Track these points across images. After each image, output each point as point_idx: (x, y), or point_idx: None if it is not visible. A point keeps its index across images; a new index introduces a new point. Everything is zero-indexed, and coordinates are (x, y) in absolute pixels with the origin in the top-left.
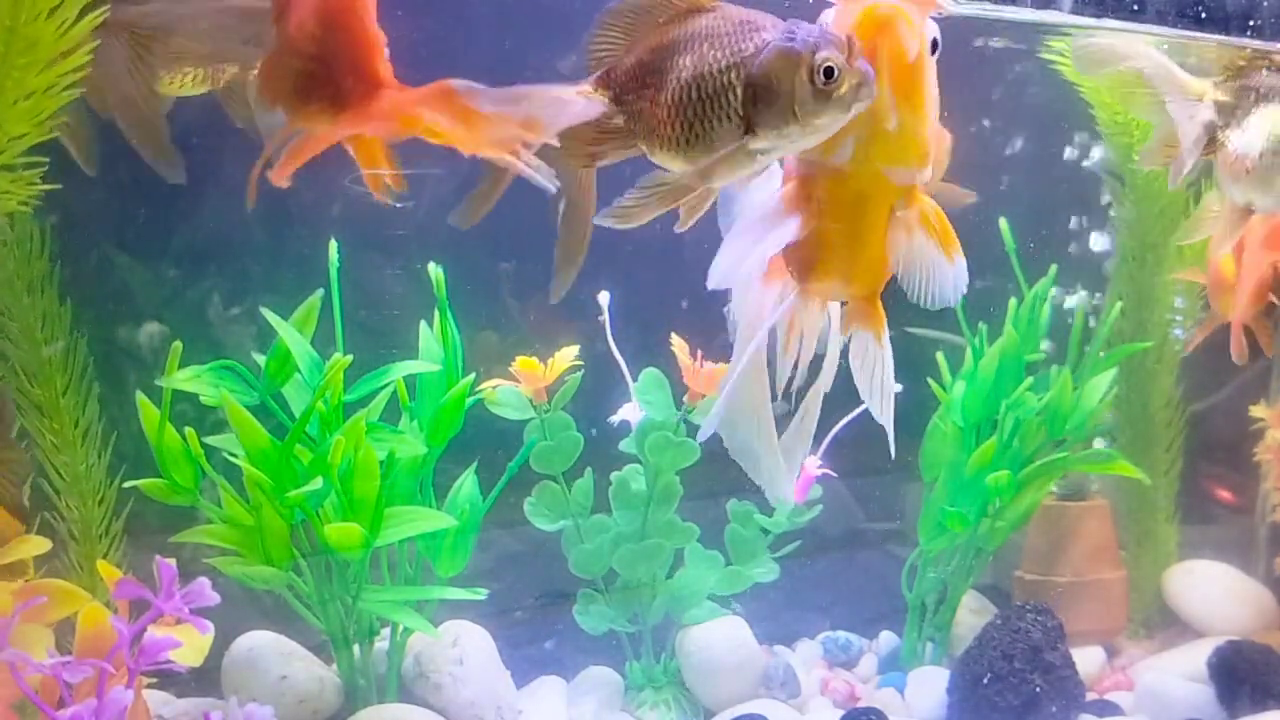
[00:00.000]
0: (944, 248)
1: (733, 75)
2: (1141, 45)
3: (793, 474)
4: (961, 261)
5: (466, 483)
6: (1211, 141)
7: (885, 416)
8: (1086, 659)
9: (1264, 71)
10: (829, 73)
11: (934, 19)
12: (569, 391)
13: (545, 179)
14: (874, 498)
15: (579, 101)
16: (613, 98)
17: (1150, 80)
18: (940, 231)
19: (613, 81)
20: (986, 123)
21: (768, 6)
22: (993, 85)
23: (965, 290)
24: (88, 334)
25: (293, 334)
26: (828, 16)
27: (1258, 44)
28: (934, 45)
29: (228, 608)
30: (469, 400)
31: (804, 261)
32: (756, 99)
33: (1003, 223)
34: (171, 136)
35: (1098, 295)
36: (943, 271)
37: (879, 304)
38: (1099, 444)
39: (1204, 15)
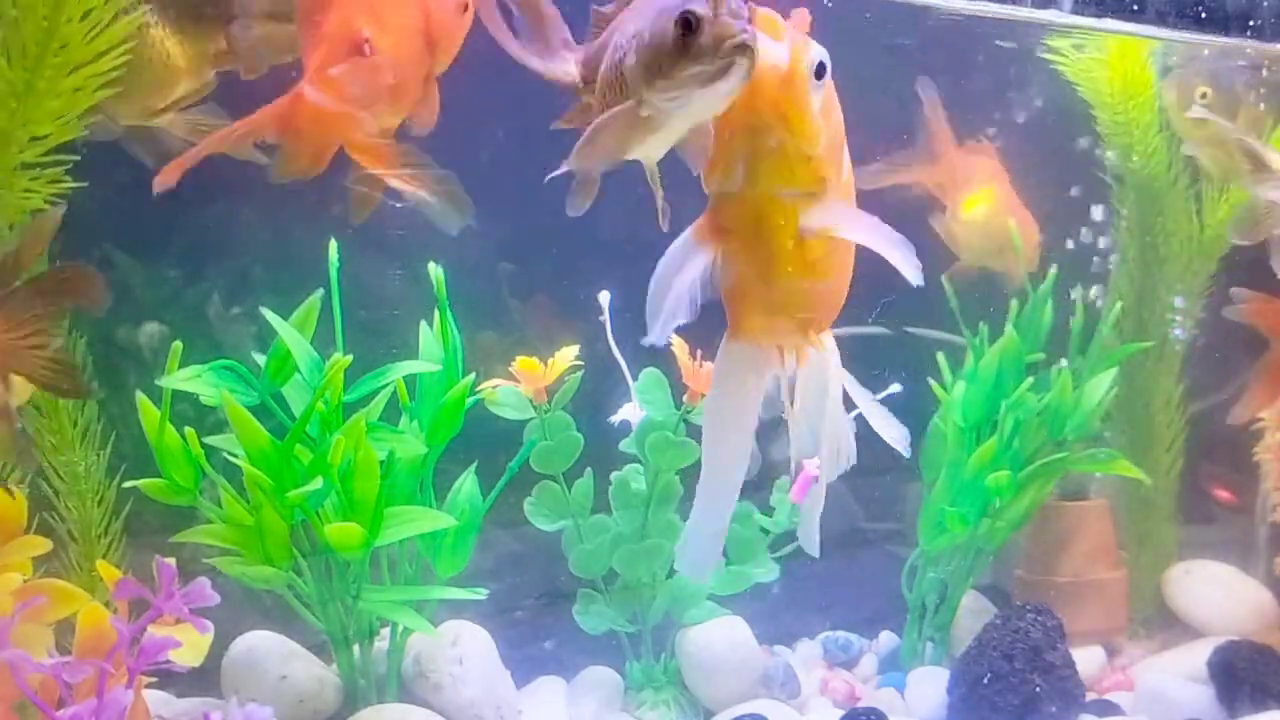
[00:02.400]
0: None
1: (633, 45)
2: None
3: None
4: (895, 235)
5: (466, 483)
6: None
7: (837, 459)
8: (1086, 659)
9: None
10: (688, 24)
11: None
12: (569, 391)
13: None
14: (874, 498)
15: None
16: (584, 76)
17: (1243, 157)
18: (864, 226)
19: (587, 61)
20: (985, 122)
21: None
22: (991, 85)
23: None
24: (88, 334)
25: (293, 334)
26: None
27: (1258, 44)
28: (820, 69)
29: (228, 608)
30: (469, 400)
31: (729, 299)
32: (644, 65)
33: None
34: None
35: (1098, 295)
36: (874, 228)
37: (822, 341)
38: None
39: (1204, 15)
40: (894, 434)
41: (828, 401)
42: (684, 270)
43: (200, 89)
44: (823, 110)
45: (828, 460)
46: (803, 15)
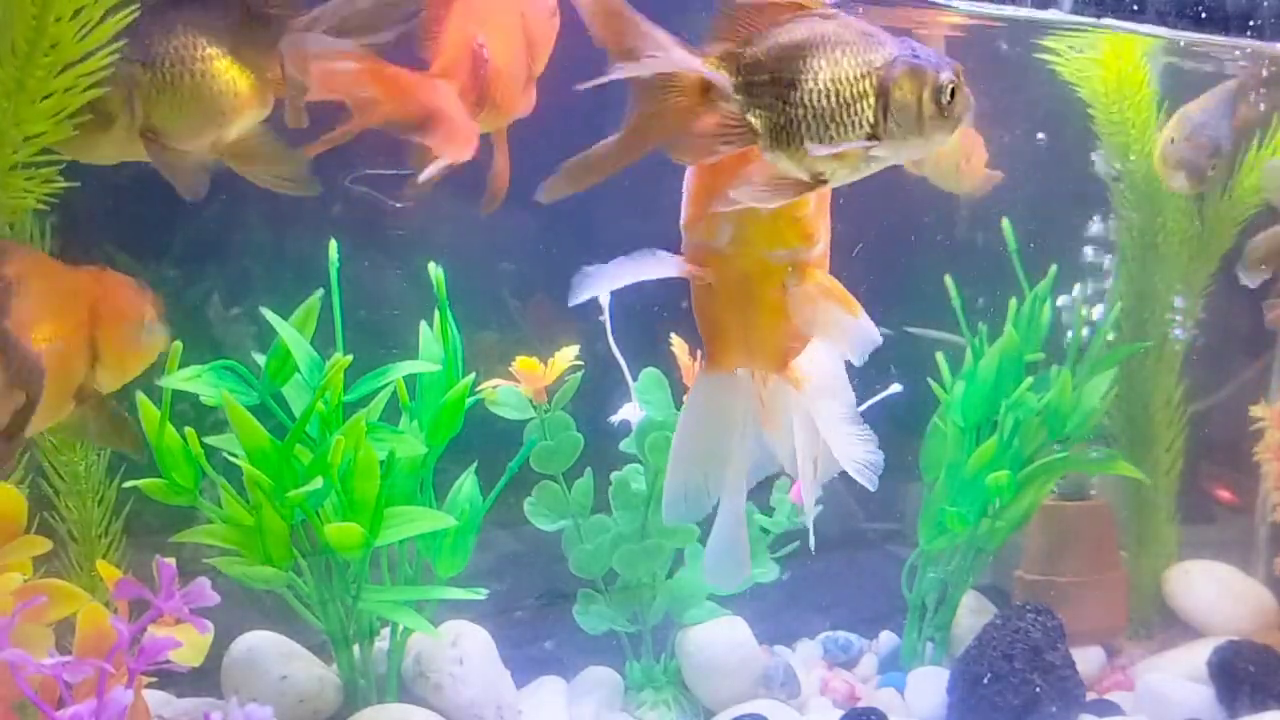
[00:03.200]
0: (847, 309)
1: (867, 84)
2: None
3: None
4: (866, 318)
5: (466, 483)
6: None
7: (817, 477)
8: (1086, 659)
9: None
10: (951, 93)
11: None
12: (569, 391)
13: None
14: (874, 498)
15: (704, 70)
16: (738, 84)
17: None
18: (840, 296)
19: (741, 67)
20: (984, 122)
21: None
22: (990, 85)
23: (878, 345)
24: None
25: (293, 334)
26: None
27: (1258, 44)
28: None
29: (228, 608)
30: (469, 400)
31: (706, 334)
32: (886, 110)
33: (1005, 223)
34: None
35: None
36: (851, 331)
37: (792, 370)
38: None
39: (1204, 15)
40: (861, 461)
41: (798, 428)
42: (643, 273)
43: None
44: None
45: (807, 482)
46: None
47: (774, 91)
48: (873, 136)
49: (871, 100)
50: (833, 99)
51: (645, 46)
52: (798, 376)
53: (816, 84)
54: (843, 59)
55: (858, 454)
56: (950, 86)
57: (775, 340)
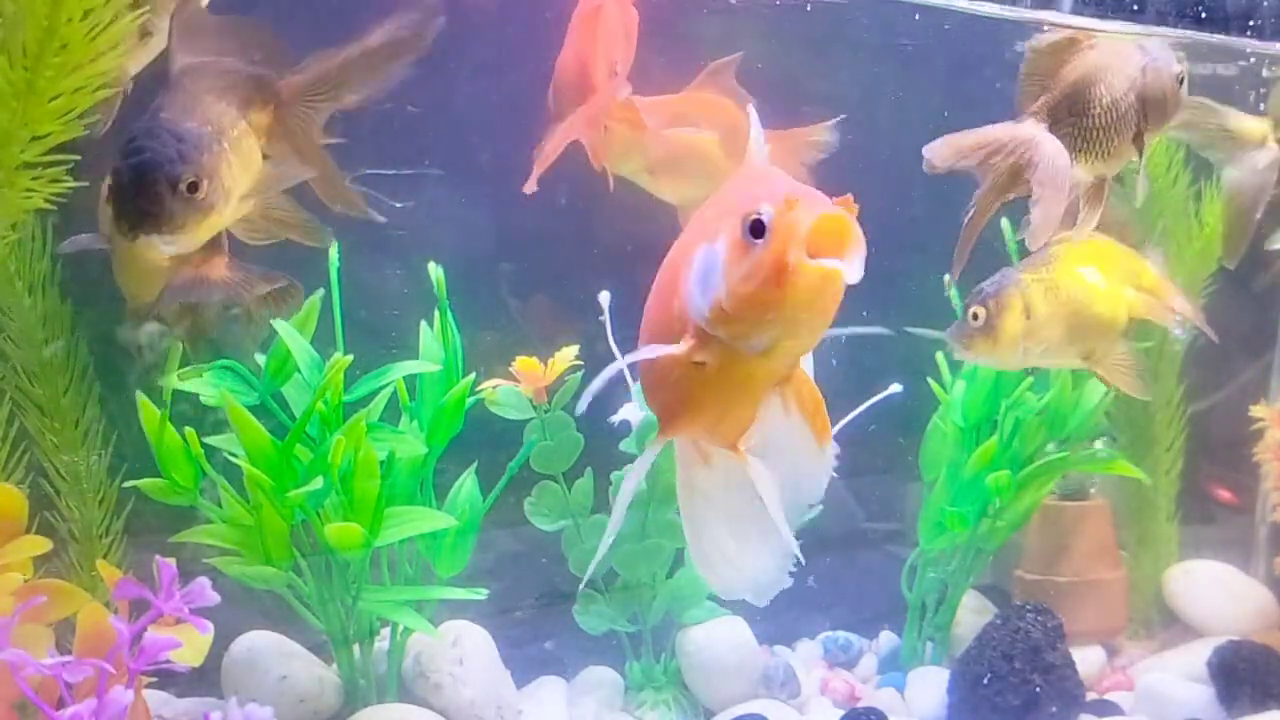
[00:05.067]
0: (816, 433)
1: (1133, 96)
2: (1195, 103)
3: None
4: (830, 451)
5: (466, 483)
6: None
7: (779, 535)
8: (1086, 659)
9: None
10: (1184, 79)
11: None
12: (569, 391)
13: None
14: (874, 498)
15: (1048, 140)
16: (1049, 126)
17: (1206, 127)
18: (814, 413)
19: (1049, 112)
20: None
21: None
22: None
23: (826, 481)
24: (88, 334)
25: (293, 334)
26: None
27: (1258, 44)
28: None
29: (228, 608)
30: (469, 400)
31: (670, 411)
32: (1146, 111)
33: (1004, 223)
34: None
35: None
36: (810, 462)
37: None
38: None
39: (1204, 15)
40: (779, 549)
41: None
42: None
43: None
44: None
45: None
46: (847, 200)
47: (1071, 120)
48: (1138, 132)
49: (1137, 107)
50: (1113, 115)
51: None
52: (742, 450)
53: (1101, 107)
54: (1114, 81)
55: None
56: (1183, 73)
57: (742, 427)
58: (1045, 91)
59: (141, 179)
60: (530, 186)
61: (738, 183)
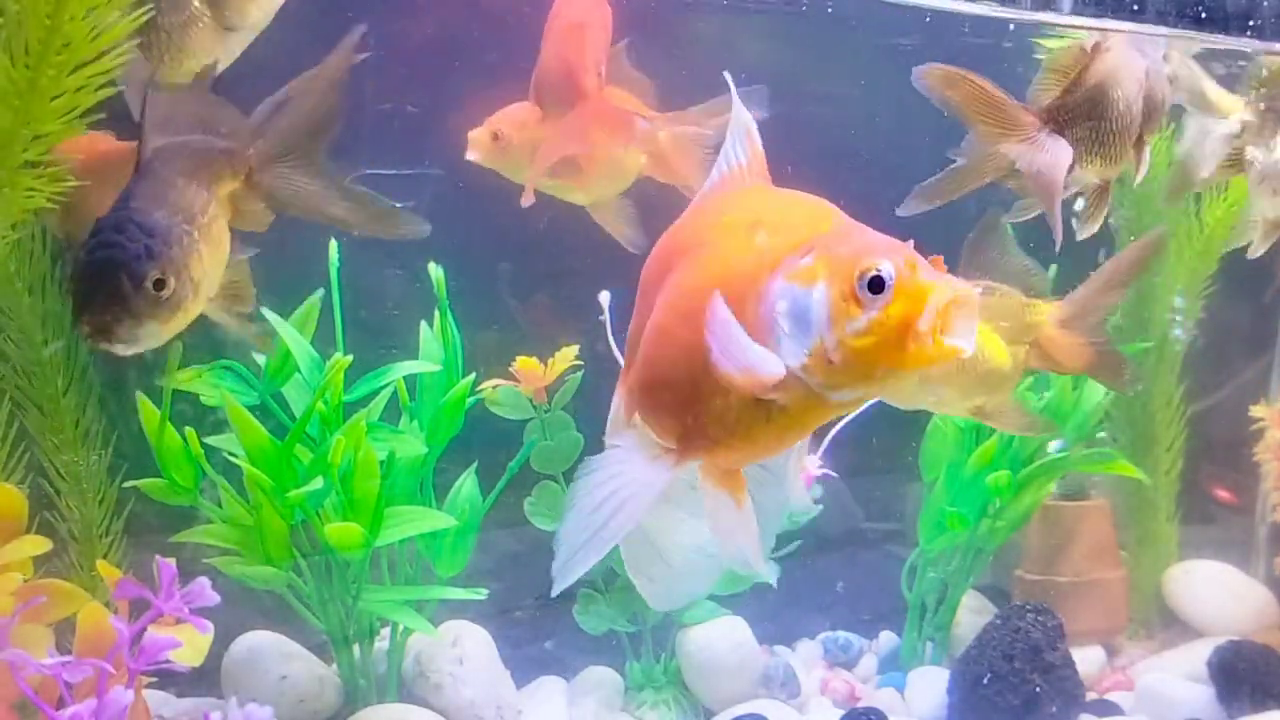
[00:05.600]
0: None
1: (1140, 100)
2: (1181, 57)
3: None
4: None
5: (466, 483)
6: (1237, 159)
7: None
8: (1086, 659)
9: None
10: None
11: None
12: (569, 391)
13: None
14: (874, 498)
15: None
16: (1059, 130)
17: (1179, 88)
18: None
19: (1067, 113)
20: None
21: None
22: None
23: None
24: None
25: (293, 334)
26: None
27: (1258, 44)
28: None
29: (228, 608)
30: (469, 400)
31: (707, 437)
32: (1147, 114)
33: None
34: None
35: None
36: (786, 489)
37: (740, 473)
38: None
39: (1204, 15)
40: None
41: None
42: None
43: None
44: None
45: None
46: (938, 259)
47: (1090, 123)
48: (1139, 136)
49: (1143, 108)
50: (1124, 120)
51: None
52: (741, 481)
53: (1117, 112)
54: (1128, 84)
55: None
56: (1172, 73)
57: (769, 457)
58: (1066, 91)
59: (105, 278)
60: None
61: (784, 211)
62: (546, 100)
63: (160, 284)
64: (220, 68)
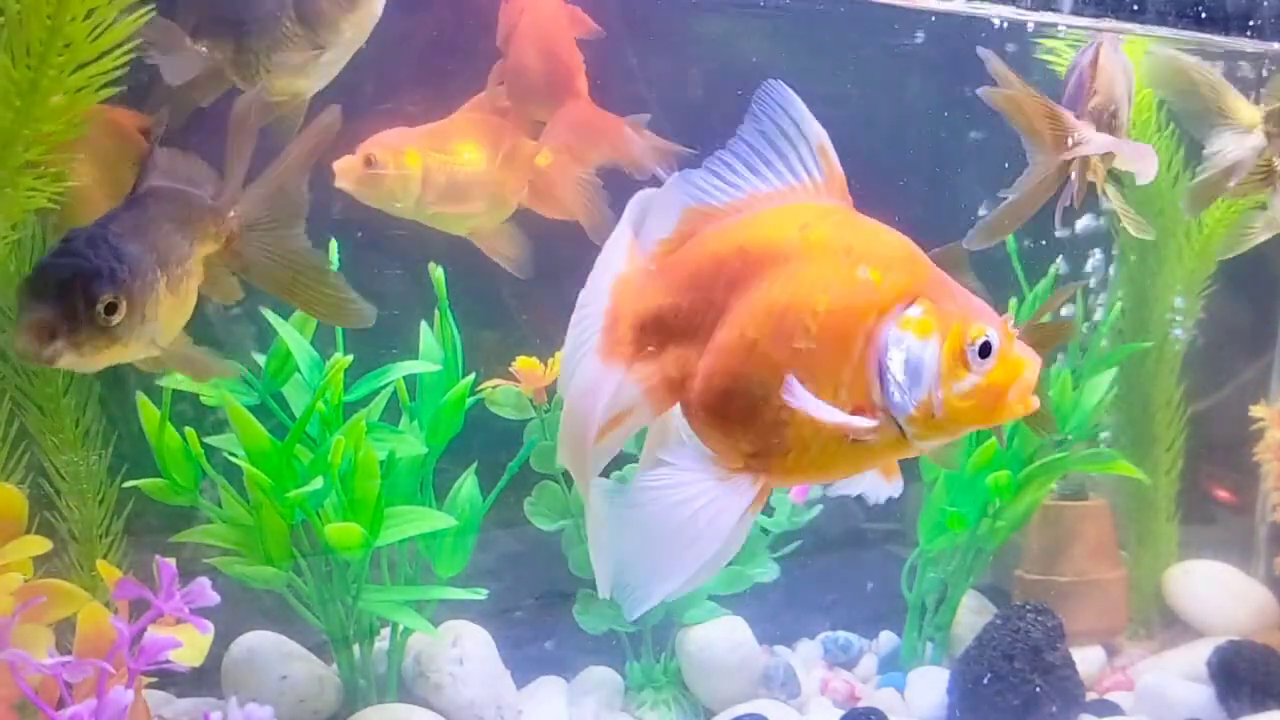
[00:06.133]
0: None
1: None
2: (1204, 66)
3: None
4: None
5: (466, 483)
6: (1269, 173)
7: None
8: (1086, 659)
9: None
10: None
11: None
12: None
13: None
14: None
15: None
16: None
17: (1205, 98)
18: None
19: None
20: (981, 121)
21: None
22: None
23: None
24: None
25: (293, 334)
26: None
27: (1258, 44)
28: None
29: (228, 608)
30: (469, 400)
31: (784, 460)
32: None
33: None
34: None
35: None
36: None
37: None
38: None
39: (1204, 15)
40: None
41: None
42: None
43: None
44: None
45: None
46: (1008, 318)
47: (1111, 124)
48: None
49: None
50: (1126, 112)
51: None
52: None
53: (1125, 106)
54: (1125, 82)
55: None
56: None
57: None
58: (1093, 94)
59: (61, 285)
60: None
61: (876, 244)
62: (529, 98)
63: (112, 309)
64: (315, 89)
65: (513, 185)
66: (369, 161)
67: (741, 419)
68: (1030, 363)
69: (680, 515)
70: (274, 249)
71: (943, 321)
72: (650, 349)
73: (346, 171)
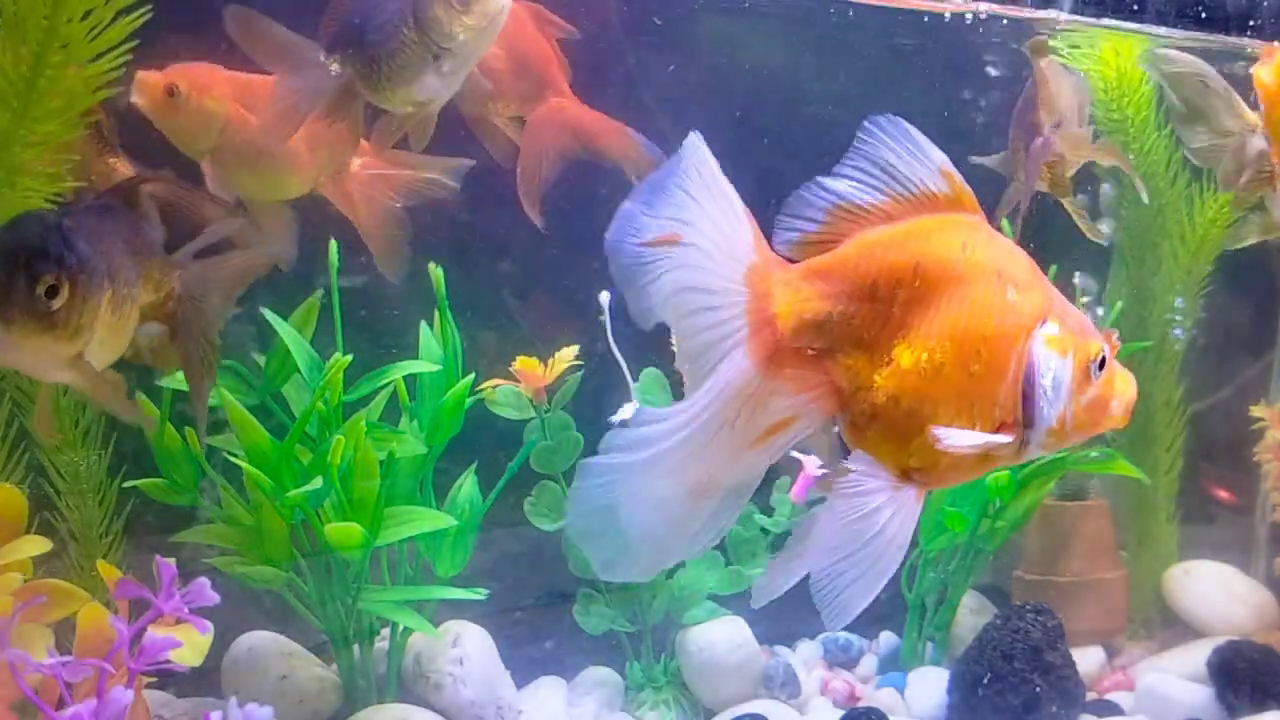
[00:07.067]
0: None
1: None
2: (1208, 68)
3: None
4: None
5: (466, 483)
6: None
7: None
8: (1086, 659)
9: None
10: None
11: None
12: (569, 391)
13: None
14: None
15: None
16: None
17: (1212, 100)
18: None
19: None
20: (980, 122)
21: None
22: (987, 84)
23: None
24: None
25: (292, 334)
26: None
27: (1258, 44)
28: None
29: (228, 608)
30: (469, 400)
31: (930, 470)
32: None
33: (1004, 223)
34: None
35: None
36: None
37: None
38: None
39: (1204, 15)
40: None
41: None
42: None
43: None
44: None
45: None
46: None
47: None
48: None
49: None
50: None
51: None
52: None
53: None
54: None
55: None
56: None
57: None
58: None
59: (4, 258)
60: (532, 211)
61: (1014, 263)
62: (512, 92)
63: (53, 292)
64: (442, 101)
65: (312, 171)
66: (170, 91)
67: (919, 437)
68: (1130, 377)
69: (874, 521)
70: (198, 324)
71: (1074, 339)
72: (810, 354)
73: (146, 89)
